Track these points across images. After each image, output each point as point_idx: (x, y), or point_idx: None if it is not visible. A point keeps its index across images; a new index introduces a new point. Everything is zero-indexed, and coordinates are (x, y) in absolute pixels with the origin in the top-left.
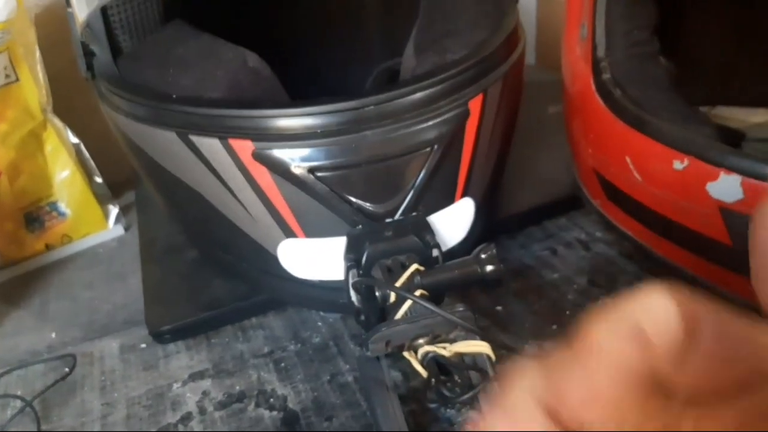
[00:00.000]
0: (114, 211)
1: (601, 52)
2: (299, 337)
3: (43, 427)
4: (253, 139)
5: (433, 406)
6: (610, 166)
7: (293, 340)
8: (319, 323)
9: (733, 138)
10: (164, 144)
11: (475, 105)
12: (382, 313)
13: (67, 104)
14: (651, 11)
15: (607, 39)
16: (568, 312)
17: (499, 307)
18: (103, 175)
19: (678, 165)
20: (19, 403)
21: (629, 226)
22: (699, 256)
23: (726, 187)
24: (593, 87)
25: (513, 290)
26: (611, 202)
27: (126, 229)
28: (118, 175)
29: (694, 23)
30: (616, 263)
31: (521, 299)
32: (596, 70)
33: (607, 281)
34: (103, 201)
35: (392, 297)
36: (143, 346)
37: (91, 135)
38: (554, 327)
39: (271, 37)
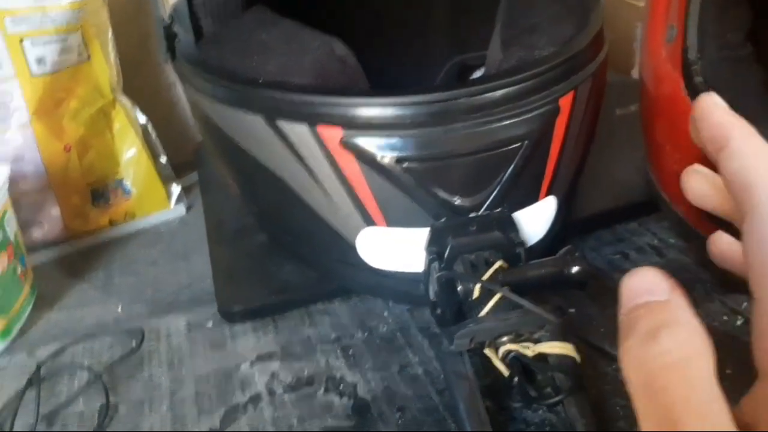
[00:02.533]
0: (177, 191)
1: (692, 54)
2: (366, 325)
3: (111, 399)
4: (343, 127)
5: (516, 405)
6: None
7: (360, 328)
8: (385, 313)
9: None
10: (249, 128)
11: (565, 102)
12: (460, 308)
13: (133, 84)
14: (745, 14)
15: (699, 41)
16: None
17: (572, 310)
18: (166, 156)
19: None
20: (86, 374)
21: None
22: None
23: None
24: (683, 91)
25: (586, 293)
26: (696, 208)
27: (187, 209)
28: (181, 155)
29: None
30: (691, 271)
31: (595, 302)
32: (687, 74)
33: (682, 289)
34: (166, 181)
35: (475, 293)
36: (209, 324)
37: (155, 115)
38: None
39: (341, 28)
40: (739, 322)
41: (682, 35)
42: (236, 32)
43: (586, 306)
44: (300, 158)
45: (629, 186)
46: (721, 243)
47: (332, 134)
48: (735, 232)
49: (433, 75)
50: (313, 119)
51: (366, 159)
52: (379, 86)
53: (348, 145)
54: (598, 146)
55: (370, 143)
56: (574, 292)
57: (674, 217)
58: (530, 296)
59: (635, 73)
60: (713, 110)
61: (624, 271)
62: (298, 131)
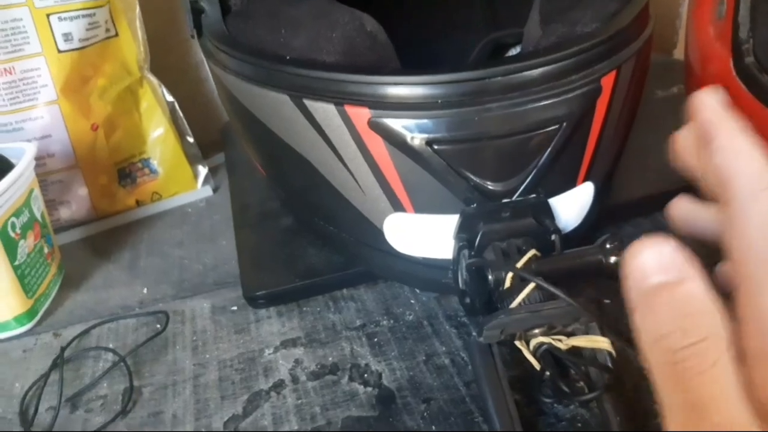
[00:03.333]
0: (203, 171)
1: (743, 33)
2: (391, 312)
3: (135, 383)
4: (370, 107)
5: (548, 401)
6: None
7: (385, 315)
8: (412, 301)
9: None
10: (275, 106)
11: (607, 82)
12: (490, 297)
13: (160, 63)
14: None
15: (751, 19)
16: None
17: (607, 300)
18: (193, 135)
19: None
20: (111, 356)
21: None
22: None
23: None
24: (734, 71)
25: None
26: None
27: (214, 190)
28: (207, 135)
29: None
30: None
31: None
32: (737, 53)
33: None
34: (193, 161)
35: (507, 282)
36: (234, 308)
37: (182, 95)
38: None
39: (373, 3)
40: None
41: (733, 12)
42: (264, 7)
43: (622, 297)
44: (327, 139)
45: (669, 172)
46: (682, 208)
47: (360, 114)
48: None
49: (466, 53)
50: (340, 98)
51: (394, 141)
52: (410, 64)
53: (376, 126)
54: (638, 129)
55: (398, 124)
56: (609, 283)
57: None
58: (563, 286)
59: (677, 54)
60: (704, 107)
61: None
62: (324, 110)
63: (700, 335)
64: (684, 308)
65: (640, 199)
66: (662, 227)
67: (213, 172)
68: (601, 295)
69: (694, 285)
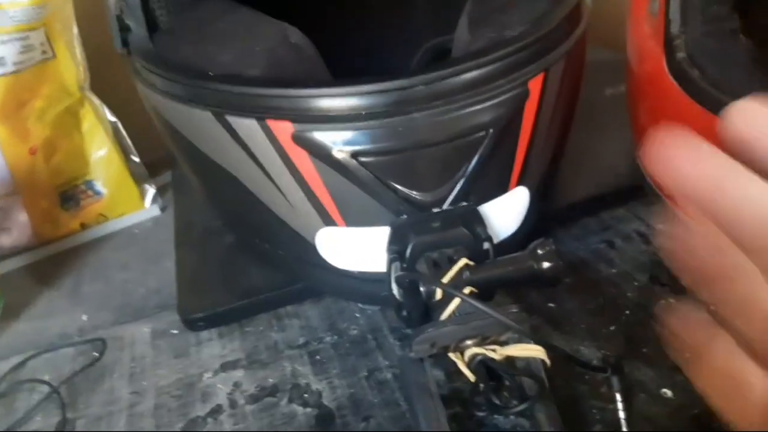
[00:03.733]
0: (151, 191)
1: (675, 29)
2: (336, 328)
3: (69, 415)
4: (293, 121)
5: (481, 414)
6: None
7: (330, 331)
8: (357, 314)
9: None
10: (200, 124)
11: (535, 85)
12: (426, 309)
13: (103, 82)
14: None
15: (682, 14)
16: (627, 312)
17: (551, 305)
18: (139, 155)
19: None
20: (46, 388)
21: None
22: None
23: None
24: (666, 67)
25: (567, 286)
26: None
27: (162, 209)
28: (154, 154)
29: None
30: None
31: (576, 296)
32: (669, 49)
33: (671, 278)
34: (139, 180)
35: (438, 293)
36: (175, 332)
37: (128, 113)
38: (612, 328)
39: (313, 13)
40: None
41: (665, 8)
42: (191, 23)
43: (566, 301)
44: (252, 155)
45: (615, 170)
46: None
47: (283, 128)
48: None
49: (409, 59)
50: (262, 113)
51: (320, 154)
52: (350, 75)
53: (300, 140)
54: (584, 128)
55: (322, 137)
56: (545, 286)
57: (659, 201)
58: (504, 291)
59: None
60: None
61: (609, 262)
62: (247, 126)
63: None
64: None
65: (586, 199)
66: (609, 226)
67: (162, 191)
68: (545, 299)
69: None
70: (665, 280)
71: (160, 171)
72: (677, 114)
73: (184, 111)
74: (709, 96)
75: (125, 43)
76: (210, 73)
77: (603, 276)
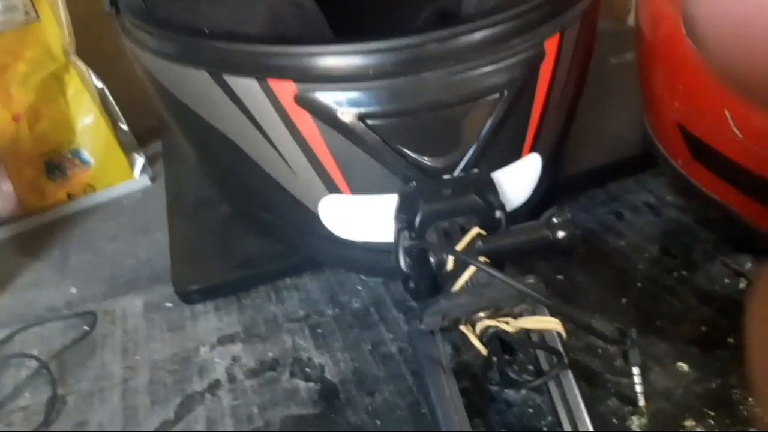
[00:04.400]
0: (140, 160)
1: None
2: (337, 301)
3: (59, 391)
4: (296, 80)
5: (494, 388)
6: (701, 120)
7: (330, 304)
8: (359, 287)
9: None
10: (195, 85)
11: (551, 45)
12: (435, 280)
13: (90, 47)
14: None
15: None
16: (639, 284)
17: (560, 276)
18: (128, 123)
19: None
20: (34, 363)
21: (716, 188)
22: None
23: None
24: (683, 32)
25: (575, 258)
26: (697, 161)
27: (152, 179)
28: (144, 123)
29: None
30: (691, 231)
31: (586, 268)
32: (680, 19)
33: (681, 250)
34: (128, 149)
35: (449, 264)
36: (169, 305)
37: (116, 80)
38: (624, 301)
39: None
40: (742, 285)
41: None
42: None
43: (576, 272)
44: (252, 118)
45: (624, 140)
46: None
47: (285, 89)
48: (747, 187)
49: (410, 22)
50: (263, 73)
51: (324, 116)
52: (350, 35)
53: (303, 101)
54: (590, 97)
55: (327, 98)
56: (562, 258)
57: (671, 171)
58: (513, 264)
59: (631, 21)
60: None
61: (618, 233)
62: (246, 86)
63: None
64: None
65: (593, 169)
66: (616, 197)
67: (152, 161)
68: (554, 271)
69: None
70: (676, 251)
71: (149, 140)
72: (697, 80)
73: (177, 71)
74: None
75: (114, 1)
76: (206, 30)
77: (612, 248)
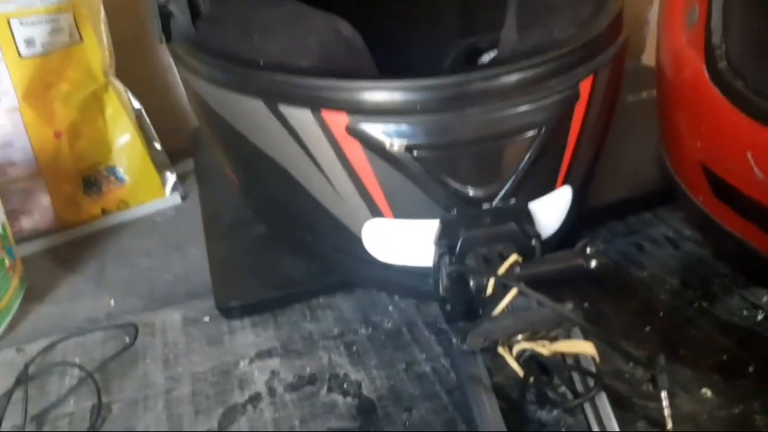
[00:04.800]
0: (171, 178)
1: (716, 38)
2: (369, 320)
3: (104, 399)
4: (348, 112)
5: (532, 407)
6: (724, 161)
7: (364, 323)
8: (390, 308)
9: None
10: (248, 113)
11: (585, 87)
12: (470, 304)
13: (127, 69)
14: None
15: (723, 24)
16: (661, 313)
17: (585, 304)
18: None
19: None
20: (77, 371)
21: (736, 225)
22: None
23: None
24: (707, 76)
25: (600, 287)
26: (719, 199)
27: (183, 198)
28: (175, 142)
29: None
30: (709, 264)
31: (610, 297)
32: (710, 59)
33: (701, 282)
34: (161, 168)
35: (489, 289)
36: (206, 319)
37: (149, 100)
38: (647, 329)
39: (347, 8)
40: (760, 317)
41: (705, 18)
42: (236, 11)
43: (600, 301)
44: (303, 145)
45: (643, 175)
46: None
47: (337, 120)
48: (766, 224)
49: (441, 59)
50: (317, 104)
51: (373, 146)
52: (385, 70)
53: (354, 132)
54: (611, 134)
55: (377, 130)
56: (586, 287)
57: (691, 207)
58: (543, 290)
59: (645, 59)
60: None
61: (638, 264)
62: (300, 117)
63: None
64: None
65: (614, 203)
66: (636, 230)
67: (182, 179)
68: (579, 298)
69: None
70: (695, 284)
71: (180, 159)
72: (720, 122)
73: (232, 98)
74: (753, 104)
75: (167, 30)
76: (260, 61)
77: (634, 278)
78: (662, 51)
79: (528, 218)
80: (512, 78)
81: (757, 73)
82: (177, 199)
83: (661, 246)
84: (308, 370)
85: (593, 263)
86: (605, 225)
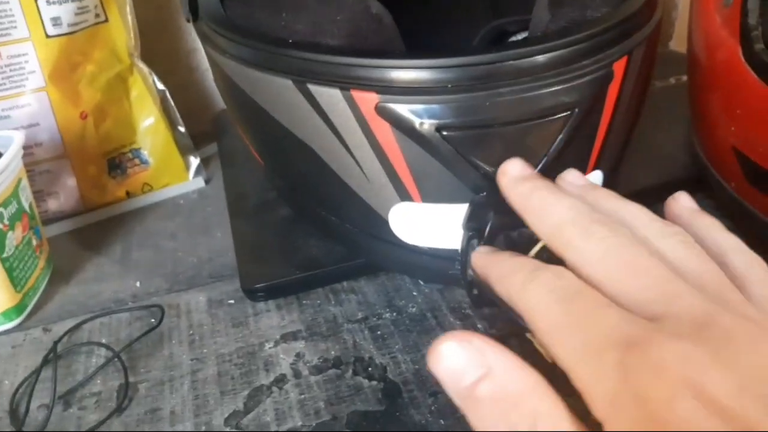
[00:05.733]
0: (195, 162)
1: (753, 19)
2: (394, 305)
3: (131, 378)
4: (378, 92)
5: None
6: (759, 145)
7: (388, 307)
8: (414, 293)
9: None
10: (277, 92)
11: (619, 67)
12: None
13: (151, 50)
14: None
15: (761, 5)
16: None
17: None
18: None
19: None
20: (104, 351)
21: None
22: None
23: None
24: (742, 58)
25: None
26: (752, 185)
27: (206, 181)
28: (198, 125)
29: None
30: None
31: None
32: (746, 40)
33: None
34: (184, 151)
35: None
36: (231, 301)
37: (174, 84)
38: None
39: None
40: None
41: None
42: None
43: None
44: (331, 125)
45: (673, 161)
46: None
47: (367, 99)
48: None
49: (467, 41)
50: (346, 83)
51: (403, 127)
52: (413, 49)
53: (384, 111)
54: (648, 120)
55: (407, 109)
56: None
57: (724, 194)
58: None
59: (673, 45)
60: None
61: None
62: (329, 96)
63: (529, 422)
64: (505, 401)
65: (640, 190)
66: (664, 218)
67: (205, 162)
68: None
69: (503, 372)
70: None
71: (203, 143)
72: (756, 105)
73: (260, 78)
74: None
75: (194, 8)
76: (289, 40)
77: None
78: (695, 33)
79: None
80: (544, 57)
81: None
82: (200, 182)
83: None
84: (333, 353)
85: None
86: None
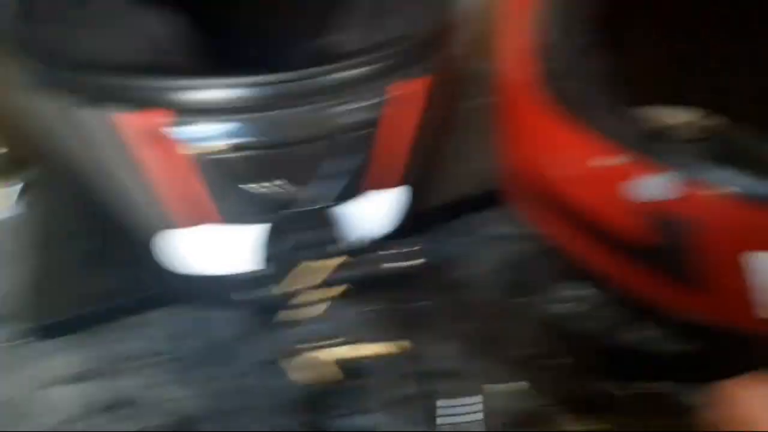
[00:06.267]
0: (15, 187)
1: (536, 41)
2: (188, 336)
3: None
4: (160, 112)
5: (341, 414)
6: (534, 160)
7: (184, 339)
8: (212, 321)
9: (661, 137)
10: (53, 115)
11: (413, 88)
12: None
13: None
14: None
15: (545, 28)
16: (485, 309)
17: (415, 303)
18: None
19: (605, 162)
20: None
21: (552, 227)
22: (630, 260)
23: (656, 185)
24: (524, 78)
25: (429, 285)
26: (530, 201)
27: (27, 208)
28: (21, 148)
29: (637, 19)
30: (540, 263)
31: (433, 295)
32: (530, 61)
33: (526, 280)
34: (3, 175)
35: (307, 295)
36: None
37: None
38: (469, 325)
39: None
40: (579, 309)
41: (531, 22)
42: (50, 7)
43: (422, 300)
44: (116, 149)
45: (480, 176)
46: None
47: (146, 121)
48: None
49: (289, 58)
50: (124, 104)
51: (185, 148)
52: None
53: (163, 133)
54: (457, 136)
55: (189, 131)
56: (410, 285)
57: (517, 209)
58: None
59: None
60: None
61: (471, 265)
62: (103, 118)
63: None
64: None
65: (448, 203)
66: (473, 231)
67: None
68: (407, 297)
69: None
70: (521, 280)
71: (25, 167)
72: (534, 124)
73: (36, 100)
74: (562, 106)
75: None
76: (67, 59)
77: (460, 276)
78: (498, 53)
79: (352, 220)
80: (328, 79)
81: (570, 76)
82: (21, 208)
83: (493, 246)
84: (123, 392)
85: (411, 264)
86: (443, 225)
